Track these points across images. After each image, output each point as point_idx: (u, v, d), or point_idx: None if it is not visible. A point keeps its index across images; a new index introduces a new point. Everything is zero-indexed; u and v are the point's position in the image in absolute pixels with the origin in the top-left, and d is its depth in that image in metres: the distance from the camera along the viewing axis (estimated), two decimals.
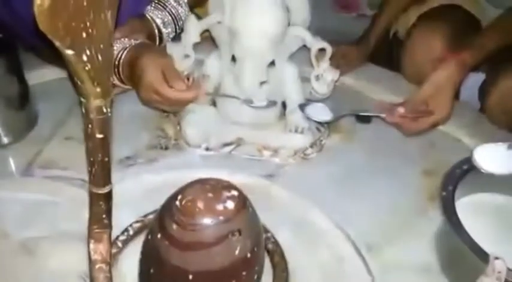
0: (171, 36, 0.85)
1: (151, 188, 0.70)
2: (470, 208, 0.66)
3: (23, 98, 0.79)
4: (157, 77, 0.67)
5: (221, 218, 0.43)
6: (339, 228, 0.67)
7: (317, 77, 0.79)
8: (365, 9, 1.29)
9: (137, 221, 0.63)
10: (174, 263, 0.44)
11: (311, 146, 0.80)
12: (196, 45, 0.81)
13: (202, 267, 0.44)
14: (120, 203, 0.63)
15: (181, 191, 0.45)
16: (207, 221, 0.43)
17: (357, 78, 0.98)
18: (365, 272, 0.62)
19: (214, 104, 0.83)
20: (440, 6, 1.05)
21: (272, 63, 0.75)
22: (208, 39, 0.84)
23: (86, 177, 0.51)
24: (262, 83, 0.74)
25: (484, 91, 0.93)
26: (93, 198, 0.50)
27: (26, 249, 0.61)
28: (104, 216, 0.52)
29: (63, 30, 0.33)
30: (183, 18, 0.85)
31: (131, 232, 0.61)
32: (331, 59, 0.80)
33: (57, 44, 0.34)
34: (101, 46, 0.38)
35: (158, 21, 0.82)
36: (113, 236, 0.58)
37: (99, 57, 0.38)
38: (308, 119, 0.78)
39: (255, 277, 0.48)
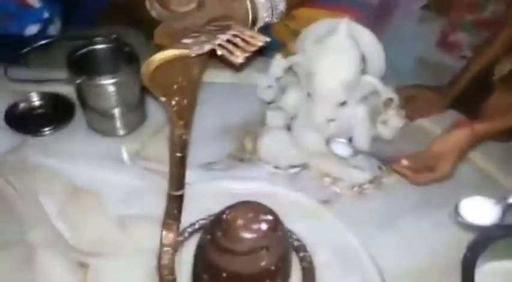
0: (266, 20, 0.74)
1: (221, 193, 0.82)
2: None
3: (140, 100, 0.97)
4: None
5: (255, 235, 0.55)
6: (373, 262, 0.74)
7: (383, 121, 0.86)
8: (466, 51, 1.28)
9: (203, 219, 0.77)
10: (215, 261, 0.57)
11: (370, 182, 0.87)
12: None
13: (234, 269, 0.57)
14: (193, 200, 0.78)
15: (229, 208, 0.58)
16: (243, 235, 0.55)
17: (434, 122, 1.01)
18: None
19: (289, 128, 0.94)
20: None
21: (344, 102, 0.84)
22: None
23: None
24: (330, 120, 0.84)
25: None
26: (170, 197, 0.65)
27: (121, 224, 0.78)
28: (175, 211, 0.67)
29: (160, 86, 0.48)
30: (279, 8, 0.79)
31: (196, 226, 0.76)
32: (411, 102, 0.86)
33: (154, 93, 0.49)
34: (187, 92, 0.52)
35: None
36: (182, 227, 0.72)
37: (185, 101, 0.52)
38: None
39: None
